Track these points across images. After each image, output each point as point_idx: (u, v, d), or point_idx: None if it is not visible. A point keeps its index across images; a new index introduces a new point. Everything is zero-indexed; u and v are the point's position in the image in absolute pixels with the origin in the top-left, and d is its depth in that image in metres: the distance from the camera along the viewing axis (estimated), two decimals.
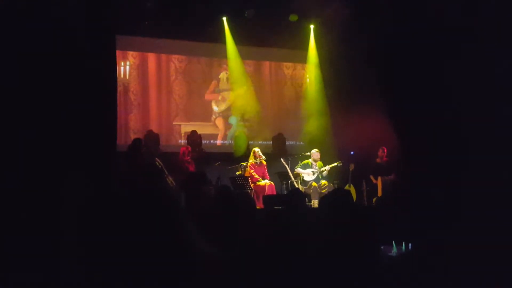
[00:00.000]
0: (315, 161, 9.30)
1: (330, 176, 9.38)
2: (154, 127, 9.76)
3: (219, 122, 10.57)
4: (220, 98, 10.60)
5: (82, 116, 6.73)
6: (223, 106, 10.61)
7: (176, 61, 10.32)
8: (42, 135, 5.83)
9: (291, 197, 4.38)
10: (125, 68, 9.80)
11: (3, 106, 5.65)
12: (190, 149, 8.60)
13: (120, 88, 9.60)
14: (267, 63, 11.18)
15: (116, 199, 1.61)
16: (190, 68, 10.44)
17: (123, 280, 1.50)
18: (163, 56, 10.24)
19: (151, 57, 10.12)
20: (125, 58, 9.82)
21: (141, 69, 9.97)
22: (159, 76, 10.14)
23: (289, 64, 11.30)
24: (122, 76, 9.72)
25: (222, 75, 10.62)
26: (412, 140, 8.05)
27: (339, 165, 9.34)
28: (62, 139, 5.94)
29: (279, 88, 11.24)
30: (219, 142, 10.53)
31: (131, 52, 9.90)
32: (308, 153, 9.44)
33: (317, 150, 9.38)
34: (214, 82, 10.57)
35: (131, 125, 9.74)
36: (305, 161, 9.35)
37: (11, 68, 5.73)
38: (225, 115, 10.61)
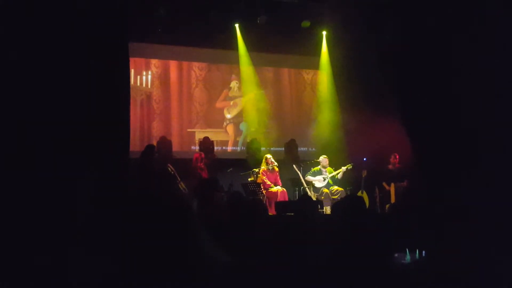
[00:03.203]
0: (324, 167, 9.29)
1: (343, 181, 9.33)
2: (175, 134, 9.93)
3: (230, 129, 10.63)
4: (232, 103, 10.66)
5: (94, 120, 6.77)
6: (235, 112, 10.66)
7: (196, 69, 10.48)
8: (54, 139, 5.87)
9: (302, 204, 4.37)
10: (147, 77, 10.01)
11: (15, 110, 5.71)
12: (203, 155, 8.62)
13: (142, 97, 9.87)
14: (286, 69, 11.21)
15: (127, 204, 1.62)
16: (210, 76, 10.58)
17: (133, 285, 1.50)
18: (184, 65, 10.40)
19: (173, 67, 10.30)
20: (147, 68, 10.02)
21: (163, 78, 10.16)
22: (180, 85, 10.32)
23: (309, 69, 11.29)
24: (144, 85, 9.94)
25: (233, 84, 10.67)
26: (426, 146, 7.96)
27: (349, 168, 9.29)
28: (74, 143, 5.97)
29: (298, 94, 11.27)
30: (229, 148, 10.57)
31: (153, 62, 10.09)
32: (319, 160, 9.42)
33: (325, 156, 9.37)
34: (225, 91, 10.66)
35: (154, 133, 9.89)
36: (315, 168, 9.34)
37: (24, 74, 5.79)
38: (236, 121, 10.67)
